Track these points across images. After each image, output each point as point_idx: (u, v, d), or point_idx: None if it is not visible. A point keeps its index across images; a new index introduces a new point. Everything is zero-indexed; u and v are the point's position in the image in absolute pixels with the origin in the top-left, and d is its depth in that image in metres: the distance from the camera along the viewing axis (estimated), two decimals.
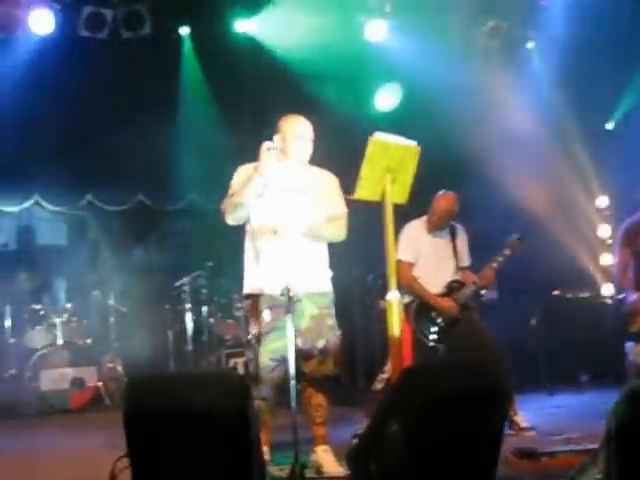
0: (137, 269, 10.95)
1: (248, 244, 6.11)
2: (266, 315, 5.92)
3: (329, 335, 6.08)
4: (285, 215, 5.95)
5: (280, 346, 5.79)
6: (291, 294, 5.49)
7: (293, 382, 5.47)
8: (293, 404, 5.44)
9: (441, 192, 7.87)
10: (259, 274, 6.00)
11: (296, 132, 6.10)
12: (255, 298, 6.04)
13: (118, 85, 10.29)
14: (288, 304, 5.49)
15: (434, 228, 7.83)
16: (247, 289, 6.12)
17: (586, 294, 10.88)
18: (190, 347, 10.44)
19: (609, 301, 10.92)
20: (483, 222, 8.73)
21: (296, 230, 5.91)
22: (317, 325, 5.95)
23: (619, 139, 10.74)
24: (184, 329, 10.49)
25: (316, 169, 6.19)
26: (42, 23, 9.64)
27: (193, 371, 9.06)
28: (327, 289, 6.16)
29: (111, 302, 10.54)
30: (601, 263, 11.33)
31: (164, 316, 10.78)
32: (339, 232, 6.13)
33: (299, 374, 5.74)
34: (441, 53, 9.91)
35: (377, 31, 10.44)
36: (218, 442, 4.37)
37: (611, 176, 10.81)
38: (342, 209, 6.14)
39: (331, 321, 6.15)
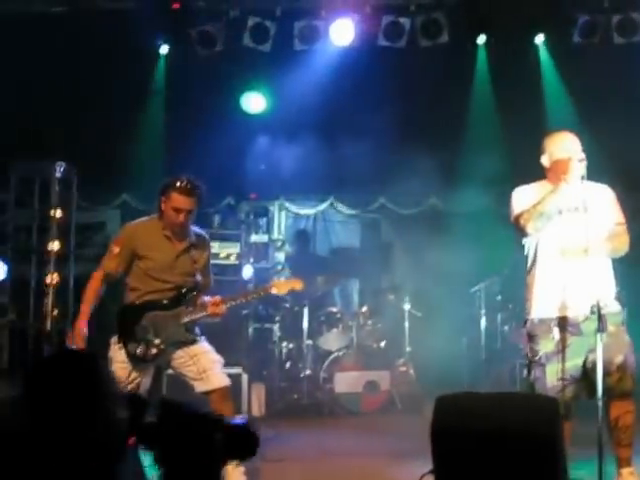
0: (431, 273, 10.99)
1: (531, 263, 6.08)
2: (555, 334, 5.88)
3: (626, 351, 5.94)
4: (570, 235, 5.89)
5: (569, 366, 5.82)
6: (599, 312, 5.42)
7: (600, 400, 5.42)
8: (599, 423, 5.37)
9: None
10: (546, 294, 5.96)
11: (563, 149, 5.97)
12: (543, 318, 5.96)
13: (413, 94, 10.37)
14: (579, 323, 5.69)
15: None
16: (535, 309, 6.03)
17: None
18: (483, 354, 10.34)
19: None
20: None
21: (582, 249, 5.81)
22: (614, 341, 5.78)
23: None
24: (478, 336, 10.40)
25: (591, 184, 5.98)
26: (342, 34, 9.86)
27: (502, 391, 8.99)
28: (617, 307, 6.02)
29: (405, 306, 10.59)
30: None
31: (458, 322, 10.73)
32: (622, 246, 6.03)
33: (591, 391, 5.64)
34: None
35: None
36: (526, 463, 4.32)
37: None
38: (621, 221, 6.06)
39: (627, 337, 6.01)
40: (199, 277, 6.52)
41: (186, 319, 6.38)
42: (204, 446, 3.31)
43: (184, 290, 6.44)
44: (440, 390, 9.60)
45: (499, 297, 10.36)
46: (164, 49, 10.40)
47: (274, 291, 6.70)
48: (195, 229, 6.63)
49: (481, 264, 10.58)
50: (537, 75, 10.59)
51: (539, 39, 10.42)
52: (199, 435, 3.35)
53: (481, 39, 10.43)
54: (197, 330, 6.51)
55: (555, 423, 4.46)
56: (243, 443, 3.49)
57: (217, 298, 6.48)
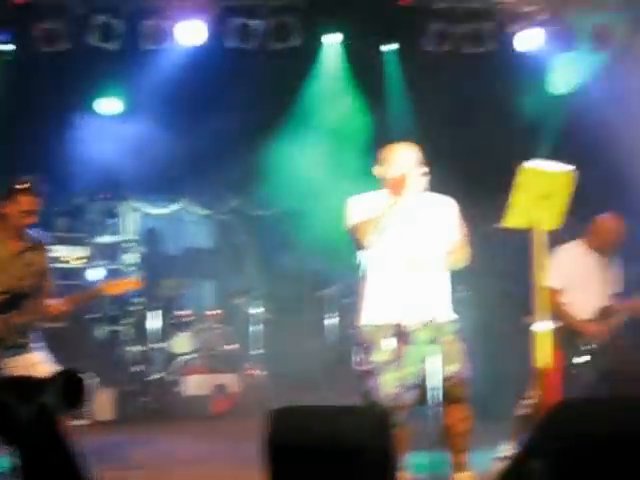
0: (283, 275, 10.99)
1: (366, 273, 6.13)
2: (388, 344, 5.94)
3: (460, 359, 6.05)
4: (407, 246, 5.95)
5: (403, 374, 5.87)
6: (434, 323, 5.51)
7: (433, 409, 5.57)
8: (431, 431, 5.54)
9: (606, 215, 7.66)
10: (380, 304, 6.02)
11: (399, 162, 5.99)
12: (376, 327, 6.01)
13: (263, 96, 10.34)
14: (413, 332, 5.81)
15: (594, 252, 7.61)
16: (368, 318, 6.09)
17: None
18: (334, 356, 10.37)
19: None
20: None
21: (417, 261, 5.90)
22: (448, 350, 5.86)
23: None
24: (329, 338, 10.44)
25: (432, 195, 6.08)
26: (190, 35, 9.75)
27: (337, 404, 9.00)
28: (452, 317, 6.10)
29: (257, 309, 10.57)
30: None
31: (310, 324, 10.76)
32: (463, 258, 6.12)
33: (426, 399, 5.70)
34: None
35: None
36: (358, 475, 4.32)
37: None
38: (461, 235, 6.14)
39: (460, 346, 6.11)
40: (32, 281, 6.36)
41: (16, 323, 6.20)
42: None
43: (16, 294, 6.27)
44: (291, 392, 9.68)
45: (347, 300, 10.39)
46: (7, 46, 10.07)
47: (106, 292, 6.60)
48: (32, 232, 6.48)
49: (332, 266, 10.60)
50: (385, 81, 10.69)
51: (389, 46, 10.47)
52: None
53: (331, 41, 10.41)
54: (35, 337, 6.35)
55: (386, 436, 4.47)
56: (71, 391, 3.48)
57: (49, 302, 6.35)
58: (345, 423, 4.45)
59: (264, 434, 4.41)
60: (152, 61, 10.09)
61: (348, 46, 10.48)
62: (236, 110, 10.09)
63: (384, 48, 10.54)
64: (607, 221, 7.61)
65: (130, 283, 6.85)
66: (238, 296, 10.89)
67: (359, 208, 6.05)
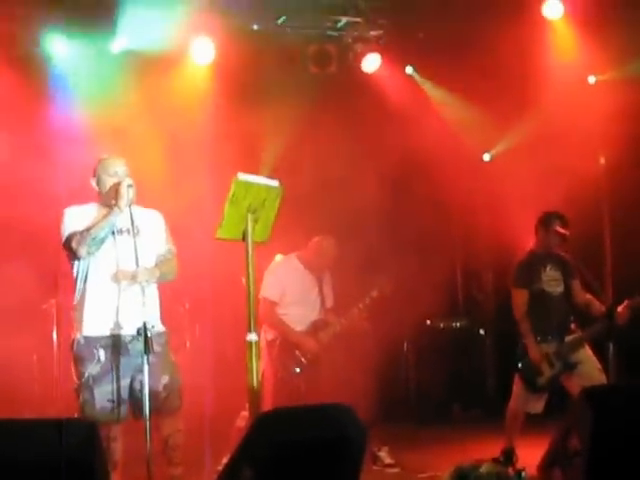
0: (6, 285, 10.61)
1: (81, 285, 6.04)
2: (101, 356, 5.90)
3: (172, 371, 6.10)
4: (121, 258, 5.94)
5: (117, 386, 5.86)
6: (144, 335, 5.54)
7: (147, 421, 5.51)
8: (148, 443, 5.45)
9: (320, 237, 7.98)
10: (93, 315, 5.96)
11: (109, 172, 6.02)
12: (89, 338, 5.93)
13: None
14: (126, 344, 5.86)
15: (307, 268, 7.87)
16: (85, 330, 5.98)
17: (459, 323, 10.91)
18: (56, 371, 10.12)
19: (482, 331, 11.00)
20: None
21: (130, 273, 5.88)
22: (159, 361, 5.91)
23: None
24: (52, 353, 10.17)
25: (141, 209, 6.12)
26: None
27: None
28: (162, 328, 6.15)
29: None
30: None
31: (30, 338, 10.41)
32: (170, 272, 6.22)
33: (141, 411, 5.65)
34: None
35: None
36: None
37: None
38: (171, 248, 6.25)
39: (172, 357, 6.21)
40: None
41: None
42: None
43: None
44: (13, 407, 9.34)
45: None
46: None
47: None
48: None
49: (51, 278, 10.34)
50: None
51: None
52: None
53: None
54: None
55: (94, 450, 4.41)
56: None
57: None
58: (51, 437, 4.37)
59: None
60: None
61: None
62: None
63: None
64: (323, 242, 7.95)
65: None
66: None
67: (75, 219, 5.98)
